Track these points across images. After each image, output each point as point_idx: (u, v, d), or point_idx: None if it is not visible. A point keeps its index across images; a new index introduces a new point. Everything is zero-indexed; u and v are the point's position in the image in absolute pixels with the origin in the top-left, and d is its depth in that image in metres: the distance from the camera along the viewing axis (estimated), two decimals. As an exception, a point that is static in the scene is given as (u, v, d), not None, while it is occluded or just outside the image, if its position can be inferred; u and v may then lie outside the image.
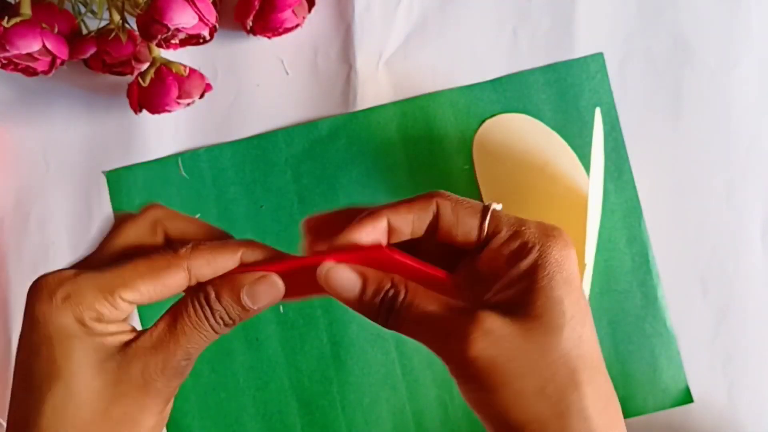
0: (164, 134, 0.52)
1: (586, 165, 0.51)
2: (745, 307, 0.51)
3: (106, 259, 0.31)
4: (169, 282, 0.31)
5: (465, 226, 0.31)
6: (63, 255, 0.52)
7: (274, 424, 0.51)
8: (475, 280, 0.32)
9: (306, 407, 0.51)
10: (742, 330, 0.51)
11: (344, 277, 0.31)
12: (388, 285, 0.31)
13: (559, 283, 0.29)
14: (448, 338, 0.29)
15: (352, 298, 0.31)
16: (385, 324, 0.31)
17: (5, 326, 0.52)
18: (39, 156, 0.52)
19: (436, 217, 0.32)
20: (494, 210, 0.31)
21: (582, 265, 0.46)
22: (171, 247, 0.31)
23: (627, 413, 0.51)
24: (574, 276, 0.30)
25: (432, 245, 0.33)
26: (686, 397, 0.51)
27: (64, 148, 0.52)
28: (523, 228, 0.31)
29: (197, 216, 0.52)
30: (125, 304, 0.30)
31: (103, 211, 0.52)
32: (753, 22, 0.52)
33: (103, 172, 0.52)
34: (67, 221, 0.52)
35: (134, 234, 0.32)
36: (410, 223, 0.32)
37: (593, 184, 0.46)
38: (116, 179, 0.52)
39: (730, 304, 0.51)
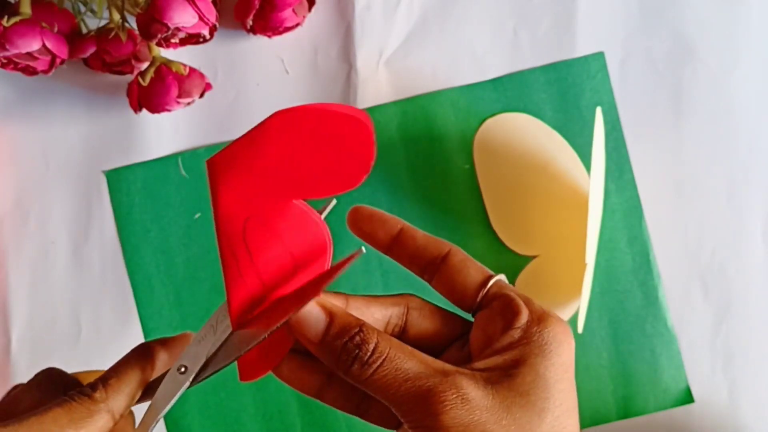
0: (164, 133, 0.52)
1: (587, 164, 0.51)
2: (745, 307, 0.51)
3: (16, 412, 0.29)
4: (93, 429, 0.28)
5: (469, 277, 0.30)
6: (62, 255, 0.52)
7: (274, 424, 0.51)
8: (464, 341, 0.31)
9: (306, 407, 0.51)
10: (743, 330, 0.51)
11: (309, 311, 0.28)
12: (356, 329, 0.27)
13: (555, 365, 0.27)
14: (423, 402, 0.26)
15: (313, 337, 0.28)
16: (346, 373, 0.27)
17: (5, 326, 0.52)
18: (39, 155, 0.52)
19: (443, 259, 0.31)
20: (501, 279, 0.31)
21: (583, 265, 0.46)
22: (82, 392, 0.28)
23: (628, 413, 0.51)
24: (571, 366, 0.28)
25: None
26: (687, 397, 0.51)
27: (63, 148, 0.52)
28: (528, 303, 0.29)
29: (197, 216, 0.52)
30: None
31: (103, 210, 0.52)
32: (754, 21, 0.52)
33: (103, 172, 0.52)
34: (66, 221, 0.52)
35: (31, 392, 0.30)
36: (416, 245, 0.31)
37: (594, 184, 0.46)
38: (116, 178, 0.52)
39: (731, 304, 0.51)
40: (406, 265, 0.32)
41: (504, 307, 0.29)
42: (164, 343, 0.31)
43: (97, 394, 0.28)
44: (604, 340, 0.51)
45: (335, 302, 0.29)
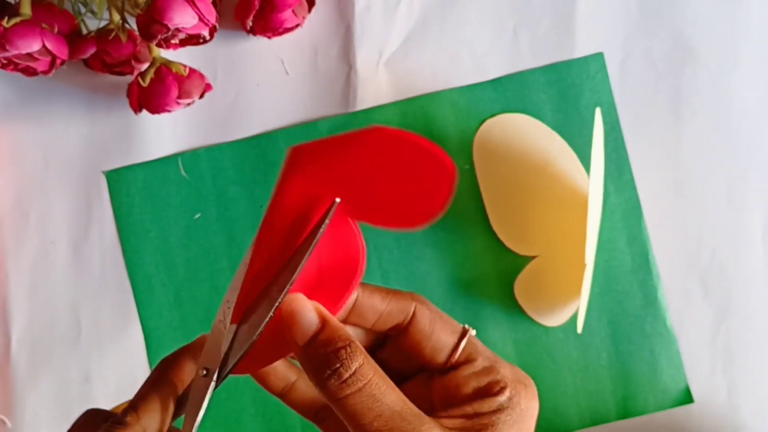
0: (164, 134, 0.52)
1: (587, 165, 0.51)
2: (745, 308, 0.51)
3: None
4: None
5: (438, 342, 0.29)
6: (62, 255, 0.52)
7: (274, 424, 0.51)
8: (427, 395, 0.30)
9: (306, 407, 0.51)
10: (743, 330, 0.51)
11: (305, 313, 0.27)
12: (345, 343, 0.26)
13: (521, 430, 0.28)
14: None
15: (299, 338, 0.27)
16: (321, 385, 0.26)
17: (5, 326, 0.52)
18: (39, 156, 0.52)
19: (409, 322, 0.29)
20: (471, 336, 0.29)
21: (582, 266, 0.46)
22: (115, 421, 0.28)
23: (627, 413, 0.51)
24: (532, 428, 0.29)
25: (391, 349, 0.31)
26: (686, 398, 0.51)
27: (63, 148, 0.52)
28: (497, 366, 0.29)
29: (197, 216, 0.52)
30: None
31: (103, 211, 0.52)
32: (753, 22, 0.52)
33: (103, 172, 0.52)
34: (66, 221, 0.52)
35: None
36: (379, 312, 0.29)
37: (593, 184, 0.46)
38: (116, 179, 0.52)
39: (731, 305, 0.51)
40: (372, 331, 0.31)
41: (478, 375, 0.29)
42: (186, 350, 0.31)
43: (129, 418, 0.28)
44: (604, 340, 0.51)
45: None
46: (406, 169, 0.27)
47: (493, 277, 0.51)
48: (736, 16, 0.52)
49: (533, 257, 0.51)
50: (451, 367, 0.29)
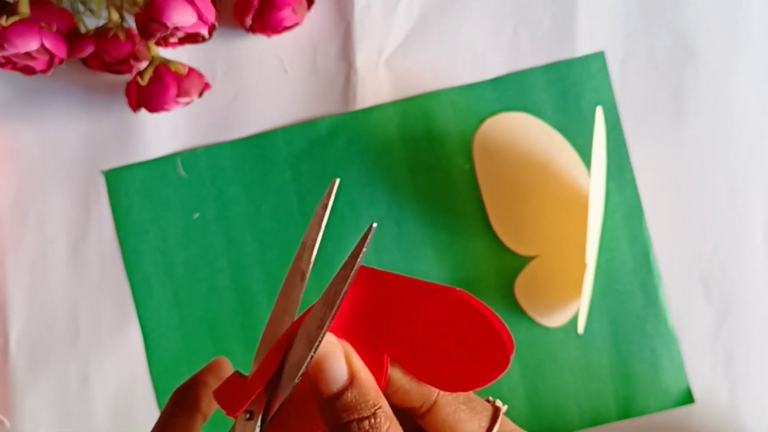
0: (163, 133, 0.52)
1: (588, 164, 0.51)
2: (746, 308, 0.51)
3: None
4: None
5: (465, 429, 0.26)
6: (61, 254, 0.52)
7: (273, 424, 0.51)
8: None
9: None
10: (744, 330, 0.51)
11: (333, 363, 0.25)
12: (371, 411, 0.24)
13: None
14: None
15: (324, 391, 0.25)
16: None
17: (3, 327, 0.52)
18: (37, 155, 0.52)
19: (429, 410, 0.26)
20: (504, 419, 0.26)
21: (583, 266, 0.46)
22: (182, 413, 0.28)
23: (628, 414, 0.51)
24: None
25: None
26: (687, 398, 0.51)
27: (62, 148, 0.52)
28: None
29: (196, 216, 0.52)
30: None
31: (102, 210, 0.52)
32: (755, 21, 0.52)
33: (102, 172, 0.52)
34: (65, 221, 0.52)
35: None
36: (393, 386, 0.26)
37: (594, 184, 0.46)
38: (115, 178, 0.52)
39: (732, 305, 0.51)
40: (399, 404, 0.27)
41: None
42: (201, 378, 0.29)
43: (188, 404, 0.28)
44: (605, 341, 0.51)
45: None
46: (467, 339, 0.25)
47: (493, 277, 0.51)
48: (737, 16, 0.52)
49: (533, 257, 0.51)
50: None
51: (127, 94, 0.49)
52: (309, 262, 0.27)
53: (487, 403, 0.26)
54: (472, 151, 0.52)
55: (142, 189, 0.52)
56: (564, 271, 0.51)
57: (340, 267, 0.25)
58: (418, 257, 0.51)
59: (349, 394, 0.24)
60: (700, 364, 0.51)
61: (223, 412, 0.26)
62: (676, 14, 0.52)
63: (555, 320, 0.51)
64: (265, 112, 0.52)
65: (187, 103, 0.49)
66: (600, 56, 0.52)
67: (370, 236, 0.25)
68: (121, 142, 0.52)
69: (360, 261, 0.25)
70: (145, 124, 0.52)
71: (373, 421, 0.24)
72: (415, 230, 0.51)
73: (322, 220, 0.27)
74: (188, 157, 0.52)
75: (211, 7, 0.45)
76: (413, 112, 0.52)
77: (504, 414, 0.26)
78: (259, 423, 0.26)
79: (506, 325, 0.26)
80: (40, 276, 0.52)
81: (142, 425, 0.51)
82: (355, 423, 0.24)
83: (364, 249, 0.25)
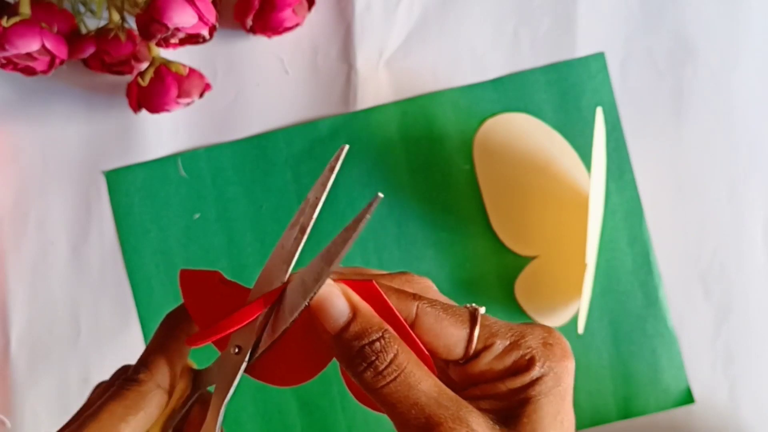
0: (163, 134, 0.52)
1: (588, 164, 0.51)
2: (746, 308, 0.51)
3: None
4: (151, 409, 0.28)
5: (450, 338, 0.27)
6: (62, 255, 0.52)
7: (274, 424, 0.51)
8: (446, 375, 0.29)
9: (306, 407, 0.51)
10: (744, 330, 0.51)
11: (334, 300, 0.27)
12: (378, 334, 0.26)
13: (556, 397, 0.26)
14: (429, 429, 0.25)
15: (331, 329, 0.26)
16: (357, 376, 0.26)
17: (4, 327, 0.52)
18: (38, 156, 0.52)
19: (413, 324, 0.27)
20: (483, 317, 0.27)
21: (583, 266, 0.46)
22: (127, 379, 0.28)
23: (628, 413, 0.51)
24: (570, 389, 0.27)
25: None
26: (687, 398, 0.51)
27: (63, 148, 0.52)
28: (521, 340, 0.27)
29: (196, 216, 0.52)
30: None
31: (103, 210, 0.52)
32: (754, 21, 0.52)
33: (102, 172, 0.52)
34: (66, 221, 0.52)
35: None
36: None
37: (595, 184, 0.46)
38: (115, 179, 0.52)
39: (732, 305, 0.51)
40: None
41: (504, 355, 0.27)
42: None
43: (142, 375, 0.28)
44: (605, 341, 0.51)
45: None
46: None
47: (493, 278, 0.51)
48: (736, 16, 0.52)
49: (534, 257, 0.51)
50: (470, 357, 0.27)
51: (128, 94, 0.49)
52: (311, 218, 0.28)
53: (464, 309, 0.27)
54: (472, 152, 0.52)
55: (142, 189, 0.52)
56: (564, 271, 0.51)
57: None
58: (418, 257, 0.51)
59: (356, 325, 0.26)
60: (700, 364, 0.51)
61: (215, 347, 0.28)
62: (676, 15, 0.52)
63: (555, 320, 0.51)
64: (265, 113, 0.52)
65: (188, 104, 0.49)
66: (600, 57, 0.52)
67: (374, 205, 0.26)
68: (121, 142, 0.52)
69: (362, 226, 0.26)
70: (146, 125, 0.52)
71: (383, 341, 0.26)
72: (415, 230, 0.52)
73: (327, 181, 0.28)
74: (189, 157, 0.52)
75: (211, 8, 0.45)
76: (413, 113, 0.52)
77: (484, 313, 0.28)
78: (247, 358, 0.27)
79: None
80: (41, 276, 0.52)
81: (142, 425, 0.51)
82: (367, 347, 0.26)
83: (368, 216, 0.26)
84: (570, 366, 0.27)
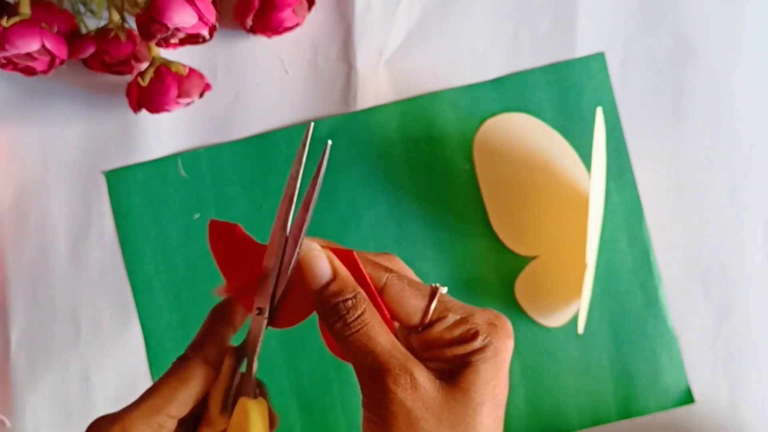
0: (163, 134, 0.52)
1: (588, 164, 0.51)
2: (746, 308, 0.51)
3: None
4: (199, 380, 0.34)
5: (410, 307, 0.32)
6: (62, 255, 0.52)
7: (274, 424, 0.51)
8: (408, 342, 0.33)
9: (306, 408, 0.51)
10: (744, 330, 0.51)
11: (320, 263, 0.32)
12: (351, 294, 0.31)
13: (493, 366, 0.31)
14: (378, 376, 0.30)
15: (314, 286, 0.32)
16: (331, 328, 0.31)
17: (4, 326, 0.52)
18: (38, 156, 0.52)
19: (381, 291, 0.32)
20: (441, 295, 0.32)
21: (583, 266, 0.46)
22: (179, 357, 0.34)
23: (628, 413, 0.51)
24: (506, 363, 0.32)
25: None
26: (687, 398, 0.51)
27: (63, 148, 0.52)
28: (469, 317, 0.32)
29: (196, 216, 0.52)
30: (171, 421, 0.33)
31: (103, 210, 0.52)
32: (754, 21, 0.52)
33: (102, 172, 0.52)
34: (66, 221, 0.52)
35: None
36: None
37: (595, 184, 0.46)
38: (115, 179, 0.52)
39: (732, 305, 0.51)
40: None
41: (452, 327, 0.32)
42: (233, 302, 0.36)
43: (190, 352, 0.34)
44: (605, 341, 0.51)
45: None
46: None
47: (493, 278, 0.51)
48: (736, 16, 0.52)
49: (534, 257, 0.51)
50: (425, 326, 0.32)
51: (128, 94, 0.49)
52: (294, 188, 0.34)
53: (427, 286, 0.33)
54: (472, 152, 0.52)
55: (142, 189, 0.52)
56: (564, 271, 0.51)
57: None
58: (418, 257, 0.51)
59: (334, 285, 0.32)
60: (700, 364, 0.51)
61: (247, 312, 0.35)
62: (676, 15, 0.52)
63: (555, 320, 0.51)
64: (265, 113, 0.52)
65: (188, 104, 0.49)
66: (600, 57, 0.52)
67: (326, 153, 0.34)
68: (121, 142, 0.52)
69: (322, 172, 0.34)
70: (146, 125, 0.52)
71: (354, 300, 0.31)
72: (415, 230, 0.52)
73: (302, 156, 0.35)
74: (189, 157, 0.52)
75: (211, 7, 0.45)
76: (413, 113, 0.52)
77: (444, 293, 0.32)
78: (266, 315, 0.34)
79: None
80: (41, 276, 0.52)
81: (142, 425, 0.51)
82: (341, 303, 0.31)
83: (324, 162, 0.34)
84: (509, 344, 0.32)
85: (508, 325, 0.32)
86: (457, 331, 0.31)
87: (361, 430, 0.32)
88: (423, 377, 0.30)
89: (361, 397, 0.31)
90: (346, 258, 0.32)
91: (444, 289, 0.33)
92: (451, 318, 0.32)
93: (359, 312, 0.31)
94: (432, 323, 0.32)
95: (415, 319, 0.32)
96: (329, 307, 0.31)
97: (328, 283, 0.32)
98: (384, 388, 0.30)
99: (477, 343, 0.31)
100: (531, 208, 0.51)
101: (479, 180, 0.51)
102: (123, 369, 0.51)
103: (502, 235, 0.51)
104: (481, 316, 0.32)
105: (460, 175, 0.52)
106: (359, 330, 0.31)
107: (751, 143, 0.51)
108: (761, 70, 0.52)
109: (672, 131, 0.51)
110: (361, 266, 0.32)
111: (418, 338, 0.33)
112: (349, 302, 0.31)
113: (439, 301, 0.32)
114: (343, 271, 0.32)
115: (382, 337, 0.31)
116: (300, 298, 0.33)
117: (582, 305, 0.47)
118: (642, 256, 0.51)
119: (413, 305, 0.32)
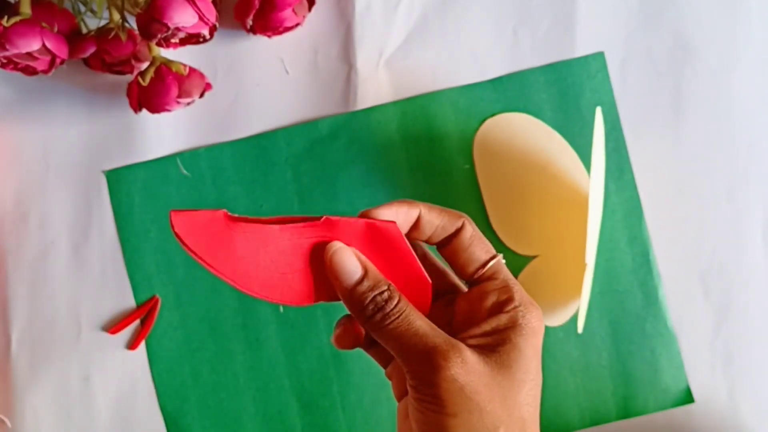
0: (164, 133, 0.52)
1: (587, 164, 0.51)
2: (746, 307, 0.51)
3: None
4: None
5: (473, 255, 0.34)
6: (62, 255, 0.52)
7: (274, 424, 0.51)
8: (450, 317, 0.35)
9: (306, 408, 0.51)
10: (743, 330, 0.51)
11: (348, 261, 0.32)
12: (385, 287, 0.32)
13: (532, 346, 0.32)
14: (427, 356, 0.31)
15: (347, 285, 0.32)
16: (369, 321, 0.32)
17: (5, 326, 0.52)
18: (39, 155, 0.52)
19: (454, 234, 0.34)
20: (500, 259, 0.34)
21: (583, 266, 0.46)
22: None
23: (628, 413, 0.51)
24: (540, 348, 0.33)
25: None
26: (687, 397, 0.51)
27: (63, 148, 0.52)
28: (515, 286, 0.33)
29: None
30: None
31: (103, 210, 0.52)
32: (754, 21, 0.52)
33: (103, 172, 0.52)
34: (66, 221, 0.52)
35: None
36: (435, 226, 0.34)
37: (594, 184, 0.46)
38: (116, 179, 0.52)
39: (731, 304, 0.51)
40: (426, 242, 0.36)
41: (498, 291, 0.33)
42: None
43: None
44: (604, 340, 0.51)
45: (413, 209, 0.34)
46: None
47: (493, 277, 0.51)
48: (736, 16, 0.52)
49: (533, 257, 0.51)
50: (476, 281, 0.34)
51: (129, 94, 0.49)
52: None
53: (493, 248, 0.35)
54: (472, 152, 0.52)
55: (143, 189, 0.52)
56: (564, 271, 0.51)
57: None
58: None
59: (367, 281, 0.32)
60: (700, 364, 0.51)
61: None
62: (676, 14, 0.52)
63: (555, 319, 0.51)
64: (265, 113, 0.52)
65: (188, 104, 0.49)
66: (600, 56, 0.52)
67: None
68: (122, 142, 0.52)
69: None
70: (147, 125, 0.52)
71: (389, 292, 0.32)
72: (415, 230, 0.52)
73: None
74: (189, 157, 0.52)
75: (212, 7, 0.45)
76: (413, 113, 0.52)
77: (503, 263, 0.34)
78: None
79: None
80: (42, 276, 0.52)
81: (142, 424, 0.51)
82: (378, 296, 0.32)
83: None
84: (541, 329, 0.33)
85: (541, 312, 0.33)
86: (503, 296, 0.33)
87: (407, 416, 0.32)
88: (468, 352, 0.31)
89: (407, 380, 0.32)
90: (387, 231, 0.33)
91: (503, 259, 0.34)
92: (501, 282, 0.33)
93: (396, 301, 0.32)
94: (483, 280, 0.34)
95: (472, 268, 0.34)
96: (366, 303, 0.32)
97: (361, 280, 0.32)
98: (435, 366, 0.30)
99: (516, 315, 0.32)
100: (531, 208, 0.51)
101: (479, 180, 0.52)
102: (123, 368, 0.51)
103: (502, 235, 0.51)
104: (523, 292, 0.33)
105: (460, 175, 0.52)
106: (399, 316, 0.32)
107: (751, 143, 0.51)
108: (761, 70, 0.52)
109: (671, 131, 0.52)
110: (403, 237, 0.33)
111: (464, 300, 0.34)
112: (385, 294, 0.32)
113: (497, 263, 0.34)
114: (371, 266, 0.33)
115: (423, 320, 0.32)
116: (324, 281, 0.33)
117: (581, 305, 0.47)
118: (641, 255, 0.51)
119: (476, 255, 0.34)
